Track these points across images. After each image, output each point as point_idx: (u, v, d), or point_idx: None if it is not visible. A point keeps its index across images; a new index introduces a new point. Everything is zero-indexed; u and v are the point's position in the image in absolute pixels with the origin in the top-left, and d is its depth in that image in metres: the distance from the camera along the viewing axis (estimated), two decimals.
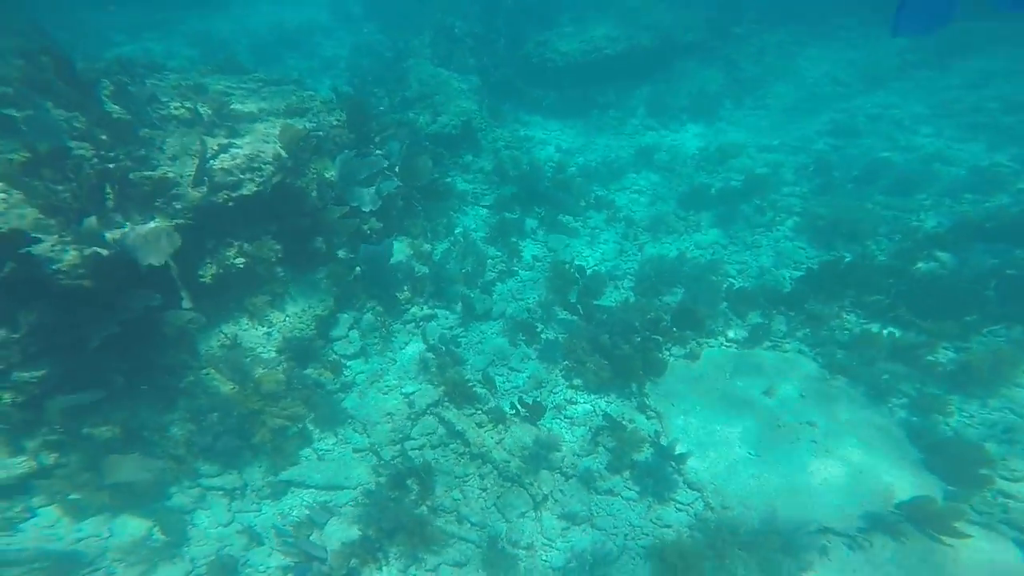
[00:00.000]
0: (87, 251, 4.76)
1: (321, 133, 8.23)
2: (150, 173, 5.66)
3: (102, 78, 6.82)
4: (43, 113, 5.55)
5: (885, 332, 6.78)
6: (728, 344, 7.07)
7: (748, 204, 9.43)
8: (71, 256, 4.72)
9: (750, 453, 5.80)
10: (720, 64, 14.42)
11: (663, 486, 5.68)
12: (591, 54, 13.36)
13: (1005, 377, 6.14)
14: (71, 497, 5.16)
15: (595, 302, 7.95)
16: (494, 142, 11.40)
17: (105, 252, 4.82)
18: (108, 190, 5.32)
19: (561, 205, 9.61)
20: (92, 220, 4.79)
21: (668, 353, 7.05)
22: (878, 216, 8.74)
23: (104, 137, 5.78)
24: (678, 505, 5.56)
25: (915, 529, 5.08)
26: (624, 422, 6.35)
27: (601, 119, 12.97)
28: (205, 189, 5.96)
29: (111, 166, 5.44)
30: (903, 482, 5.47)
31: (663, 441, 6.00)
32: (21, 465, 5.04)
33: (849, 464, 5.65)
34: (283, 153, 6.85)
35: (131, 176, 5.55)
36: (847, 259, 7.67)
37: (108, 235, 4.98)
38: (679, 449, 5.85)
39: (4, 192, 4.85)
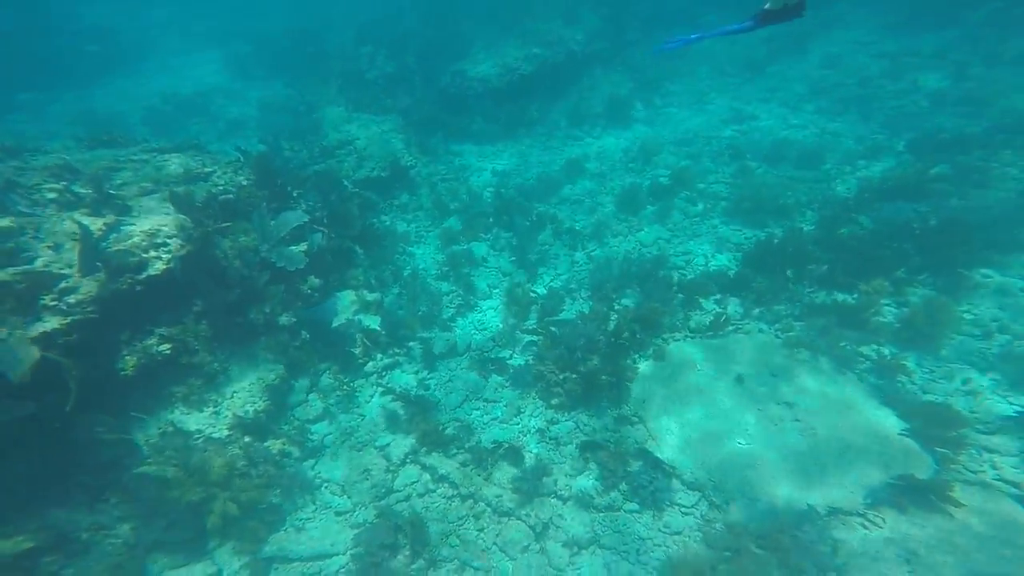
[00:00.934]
0: None
1: (231, 195, 7.58)
2: (24, 268, 4.86)
3: None
4: None
5: (831, 299, 7.08)
6: (691, 335, 7.10)
7: (679, 197, 9.74)
8: None
9: (739, 443, 5.73)
10: (623, 69, 15.22)
11: (662, 492, 5.48)
12: (506, 76, 13.57)
13: (945, 324, 6.46)
14: None
15: (556, 318, 7.80)
16: (429, 177, 11.15)
17: None
18: None
19: (506, 228, 9.47)
20: None
21: (636, 356, 6.96)
22: (796, 190, 9.30)
23: None
24: (683, 509, 5.38)
25: (916, 500, 5.01)
26: (608, 434, 6.15)
27: (529, 137, 13.12)
28: (103, 276, 5.21)
29: None
30: (892, 451, 5.45)
31: (650, 446, 5.83)
32: None
33: (837, 439, 5.60)
34: (186, 222, 6.19)
35: None
36: (779, 234, 8.04)
37: None
38: (668, 451, 5.70)
39: None
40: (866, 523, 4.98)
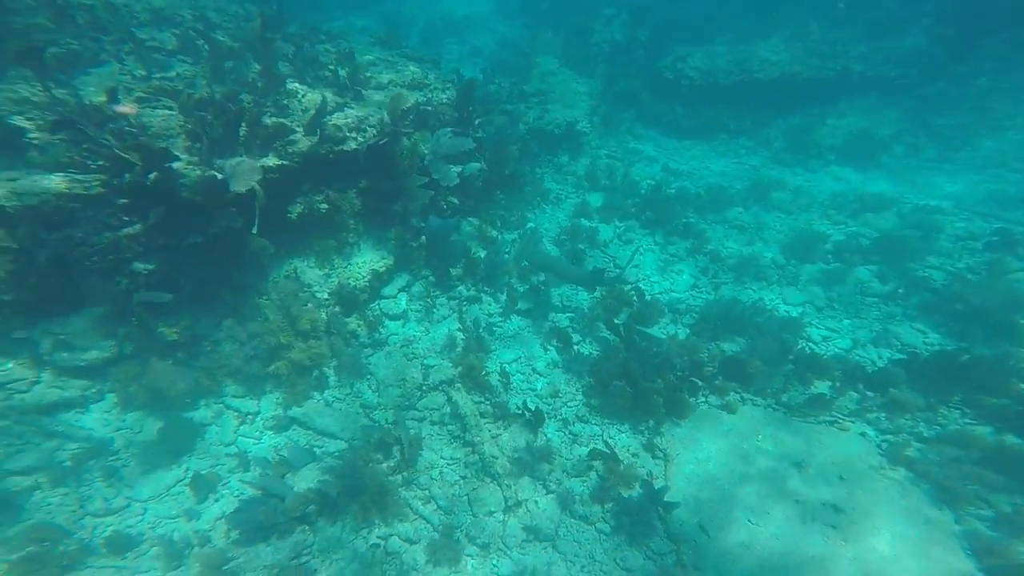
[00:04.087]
0: (206, 173, 6.23)
1: (430, 108, 9.38)
2: (276, 119, 7.17)
3: (284, 41, 8.68)
4: (243, 66, 7.48)
5: (992, 436, 5.56)
6: (776, 407, 6.40)
7: (867, 267, 8.29)
8: (196, 175, 6.22)
9: (750, 520, 5.26)
10: (909, 104, 12.67)
11: (640, 529, 5.44)
12: (736, 75, 12.85)
13: None
14: (129, 389, 6.03)
15: (643, 329, 7.78)
16: (597, 149, 11.67)
17: (219, 176, 6.26)
18: (244, 128, 6.85)
19: (645, 224, 9.51)
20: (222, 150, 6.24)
21: (703, 399, 6.64)
22: None
23: (260, 86, 7.48)
24: (649, 552, 5.29)
25: None
26: (626, 454, 6.19)
27: (726, 145, 12.40)
28: (316, 139, 7.32)
29: (250, 108, 7.00)
30: None
31: (657, 484, 5.74)
32: (109, 349, 5.98)
33: (863, 562, 4.91)
34: (387, 120, 8.03)
35: (265, 120, 7.11)
36: (976, 354, 6.38)
37: (220, 163, 6.35)
38: (672, 497, 5.55)
39: (182, 122, 6.57)
40: None
